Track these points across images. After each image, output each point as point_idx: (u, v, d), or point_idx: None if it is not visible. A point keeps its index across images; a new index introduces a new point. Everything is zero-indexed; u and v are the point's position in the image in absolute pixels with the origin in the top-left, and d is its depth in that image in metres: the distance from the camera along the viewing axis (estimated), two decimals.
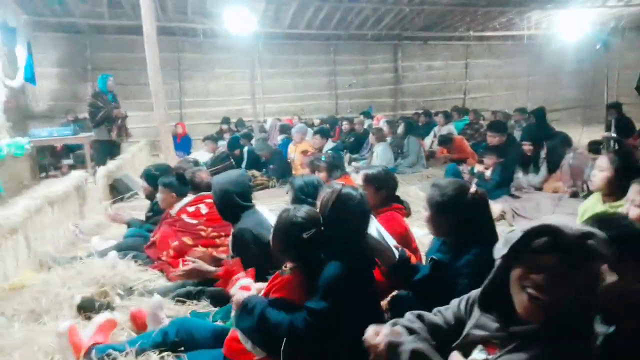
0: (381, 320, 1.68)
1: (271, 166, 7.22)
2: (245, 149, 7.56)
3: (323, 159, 4.80)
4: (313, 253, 2.07)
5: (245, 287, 2.40)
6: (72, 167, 8.38)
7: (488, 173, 5.59)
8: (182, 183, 3.94)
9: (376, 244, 2.28)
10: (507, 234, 1.30)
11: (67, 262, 3.63)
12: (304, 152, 5.43)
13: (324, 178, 4.87)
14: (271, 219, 3.20)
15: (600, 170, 2.82)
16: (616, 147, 4.18)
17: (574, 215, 4.18)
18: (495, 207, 4.55)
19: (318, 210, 2.33)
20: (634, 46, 11.75)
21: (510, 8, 9.63)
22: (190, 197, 3.90)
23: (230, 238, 3.06)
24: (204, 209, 3.79)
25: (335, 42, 12.04)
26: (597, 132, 8.43)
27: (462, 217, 2.17)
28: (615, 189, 2.80)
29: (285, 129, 9.20)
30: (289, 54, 11.90)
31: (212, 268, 2.93)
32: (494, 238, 2.15)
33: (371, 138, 7.32)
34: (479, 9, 9.68)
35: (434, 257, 2.28)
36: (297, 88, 12.15)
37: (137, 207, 5.98)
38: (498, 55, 13.08)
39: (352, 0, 9.37)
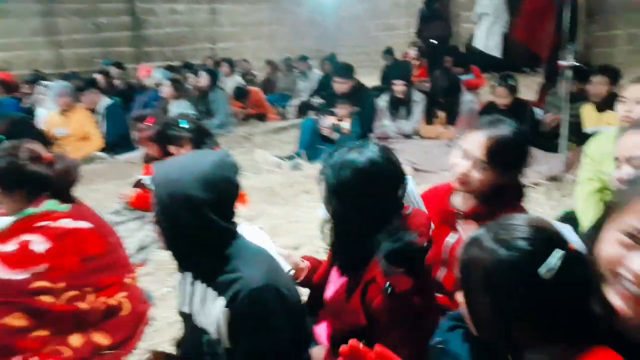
0: None
1: None
2: None
3: (184, 124, 3.10)
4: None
5: None
6: None
7: (345, 125, 4.76)
8: None
9: None
10: None
11: None
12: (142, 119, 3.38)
13: (155, 154, 3.20)
14: (269, 246, 1.60)
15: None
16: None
17: None
18: None
19: None
20: None
21: None
22: (3, 221, 1.82)
23: (215, 312, 1.34)
24: (39, 245, 1.80)
25: None
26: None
27: None
28: None
29: (9, 87, 6.30)
30: None
31: None
32: None
33: (167, 91, 5.48)
34: None
35: None
36: None
37: None
38: (245, 1, 12.15)
39: None
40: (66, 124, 4.83)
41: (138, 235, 2.84)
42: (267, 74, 8.77)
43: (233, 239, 1.37)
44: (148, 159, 3.32)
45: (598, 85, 3.43)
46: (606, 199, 2.54)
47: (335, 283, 1.49)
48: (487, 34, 8.03)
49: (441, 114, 4.58)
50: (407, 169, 3.74)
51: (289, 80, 8.15)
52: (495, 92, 3.99)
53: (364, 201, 1.29)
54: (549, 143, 3.81)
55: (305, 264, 1.61)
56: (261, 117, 7.03)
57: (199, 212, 1.27)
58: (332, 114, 4.91)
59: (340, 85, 4.86)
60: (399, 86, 4.51)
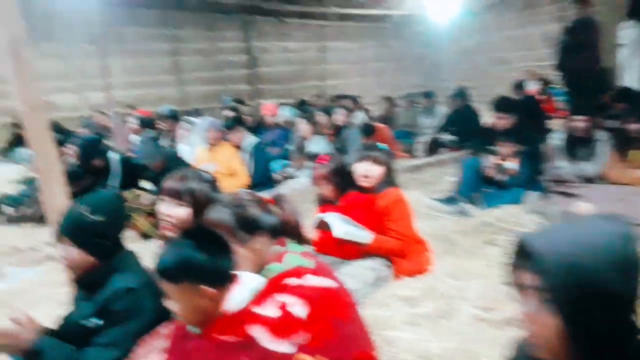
0: None
1: None
2: (116, 156, 4.79)
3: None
4: None
5: None
6: None
7: (510, 165, 4.31)
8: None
9: None
10: None
11: None
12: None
13: (331, 194, 2.94)
14: None
15: None
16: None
17: None
18: None
19: None
20: (472, 31, 12.09)
21: None
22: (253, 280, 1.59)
23: None
24: (297, 308, 1.52)
25: (175, 12, 9.42)
26: None
27: None
28: None
29: (147, 124, 6.54)
30: (114, 25, 8.83)
31: None
32: None
33: (304, 129, 5.38)
34: None
35: None
36: (127, 71, 9.13)
37: None
38: (353, 39, 12.20)
39: None
40: (213, 159, 4.80)
41: None
42: (385, 110, 8.53)
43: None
44: (321, 201, 3.09)
45: None
46: None
47: None
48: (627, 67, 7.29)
49: (633, 155, 3.99)
50: None
51: (409, 116, 7.84)
52: None
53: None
54: None
55: None
56: None
57: (621, 314, 0.92)
58: (491, 152, 4.49)
59: (501, 121, 4.44)
60: (579, 122, 4.00)
